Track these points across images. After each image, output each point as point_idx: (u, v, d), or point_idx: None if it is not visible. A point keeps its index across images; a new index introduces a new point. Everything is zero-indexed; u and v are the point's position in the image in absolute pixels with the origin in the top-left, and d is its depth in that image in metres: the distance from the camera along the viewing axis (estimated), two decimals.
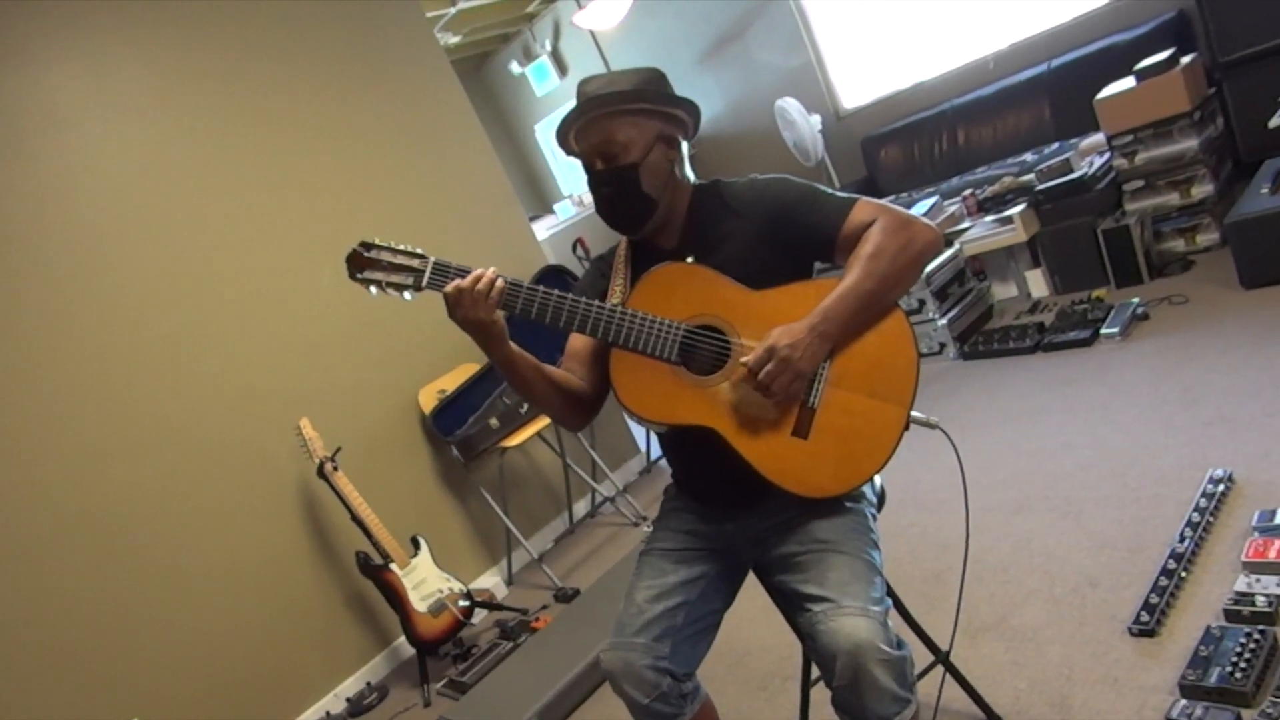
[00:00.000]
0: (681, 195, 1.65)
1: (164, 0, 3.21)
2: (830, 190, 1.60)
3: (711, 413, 1.51)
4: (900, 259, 1.49)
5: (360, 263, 1.48)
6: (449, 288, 1.44)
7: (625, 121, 1.56)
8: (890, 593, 1.59)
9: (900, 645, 1.39)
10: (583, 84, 1.58)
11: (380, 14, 3.79)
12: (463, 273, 1.46)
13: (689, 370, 1.53)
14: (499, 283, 1.45)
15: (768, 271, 1.56)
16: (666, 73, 1.63)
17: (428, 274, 1.47)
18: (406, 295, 1.49)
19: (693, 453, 1.66)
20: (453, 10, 5.85)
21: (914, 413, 1.55)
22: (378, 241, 1.48)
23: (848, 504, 1.57)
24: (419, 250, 1.48)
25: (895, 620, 1.46)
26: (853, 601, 1.38)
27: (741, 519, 1.62)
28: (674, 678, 1.54)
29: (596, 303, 1.50)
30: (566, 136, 1.62)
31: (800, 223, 1.57)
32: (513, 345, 1.53)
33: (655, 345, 1.50)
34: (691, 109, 1.64)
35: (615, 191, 1.58)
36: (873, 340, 1.54)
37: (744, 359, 1.49)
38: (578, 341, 1.69)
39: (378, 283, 1.48)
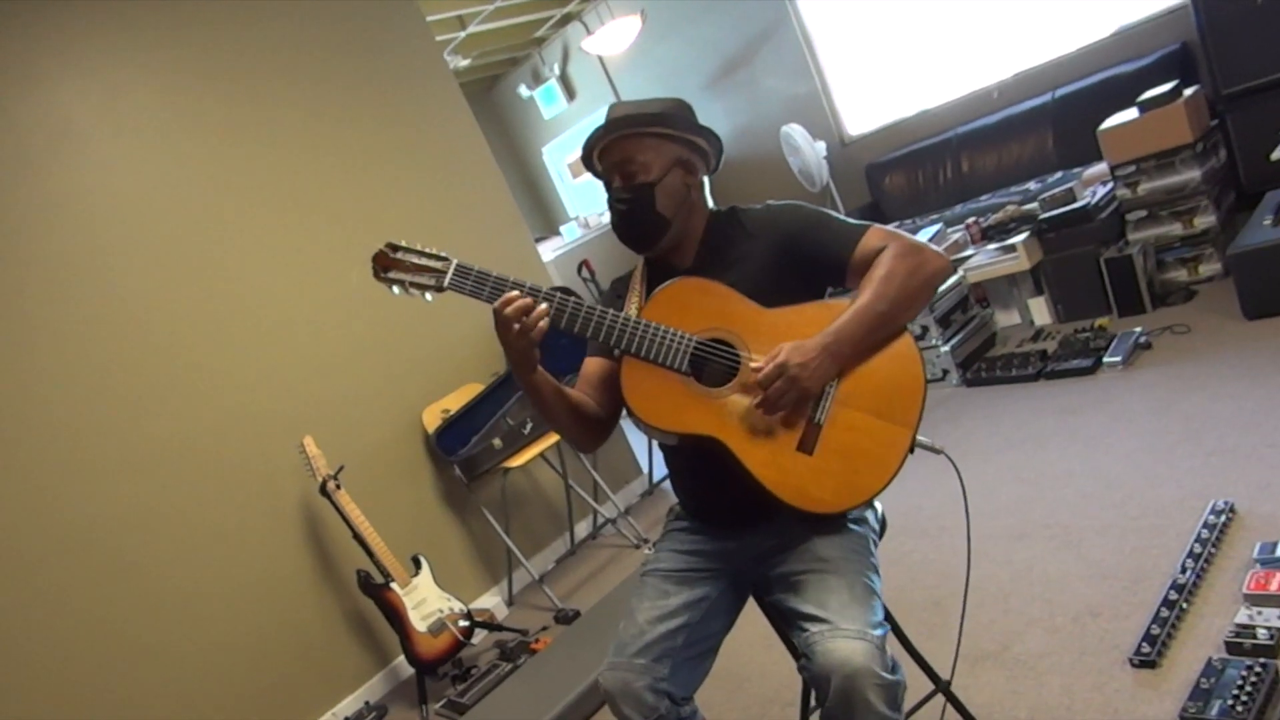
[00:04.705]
0: (697, 218, 1.71)
1: (176, 21, 3.26)
2: (843, 216, 1.65)
3: (718, 423, 1.54)
4: (911, 282, 1.53)
5: (386, 262, 1.51)
6: (505, 309, 1.45)
7: (647, 144, 1.62)
8: (890, 620, 1.59)
9: (895, 669, 1.39)
10: (612, 107, 1.65)
11: (390, 37, 3.84)
12: (484, 276, 1.50)
13: (698, 381, 1.55)
14: (540, 307, 1.48)
15: (780, 292, 1.60)
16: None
17: (450, 275, 1.50)
18: (428, 296, 1.52)
19: (698, 467, 1.68)
20: (462, 34, 5.92)
21: (920, 437, 1.57)
22: (404, 244, 1.52)
23: (851, 525, 1.58)
24: (442, 253, 1.52)
25: (894, 647, 1.46)
26: (850, 624, 1.38)
27: (745, 537, 1.63)
28: (672, 700, 1.53)
29: (611, 311, 1.54)
30: (591, 154, 1.69)
31: (813, 246, 1.62)
32: (540, 370, 1.56)
33: (666, 354, 1.53)
34: (712, 139, 1.70)
35: (630, 208, 1.64)
36: (882, 361, 1.56)
37: (754, 364, 1.52)
38: (592, 365, 1.73)
39: (401, 283, 1.51)
